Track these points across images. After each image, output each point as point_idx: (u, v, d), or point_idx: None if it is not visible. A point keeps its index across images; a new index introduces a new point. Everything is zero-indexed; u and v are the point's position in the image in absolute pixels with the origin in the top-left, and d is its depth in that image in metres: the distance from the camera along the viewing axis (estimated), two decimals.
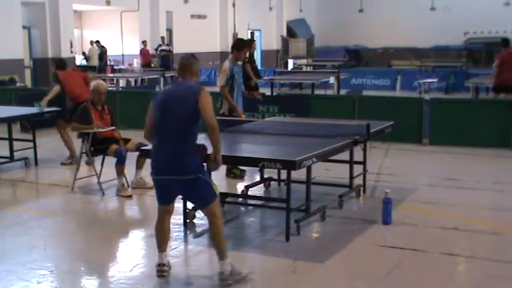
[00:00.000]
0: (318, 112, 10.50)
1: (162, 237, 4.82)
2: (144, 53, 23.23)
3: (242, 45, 8.07)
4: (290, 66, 27.67)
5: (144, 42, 23.26)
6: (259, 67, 30.25)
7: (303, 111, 10.65)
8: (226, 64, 7.87)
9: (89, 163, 8.59)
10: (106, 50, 23.55)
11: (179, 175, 4.51)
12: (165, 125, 4.58)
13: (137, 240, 5.95)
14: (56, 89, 9.27)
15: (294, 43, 30.61)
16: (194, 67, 4.72)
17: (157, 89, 18.59)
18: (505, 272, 4.90)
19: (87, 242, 5.90)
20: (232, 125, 7.24)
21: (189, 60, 4.75)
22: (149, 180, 7.56)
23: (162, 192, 4.74)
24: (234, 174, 7.97)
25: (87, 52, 23.97)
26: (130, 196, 7.26)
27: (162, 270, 4.77)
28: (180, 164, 4.51)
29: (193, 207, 6.07)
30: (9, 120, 9.28)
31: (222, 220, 4.70)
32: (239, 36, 28.67)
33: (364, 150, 7.21)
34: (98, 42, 23.62)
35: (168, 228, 4.87)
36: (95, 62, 22.68)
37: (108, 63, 24.47)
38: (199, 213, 6.21)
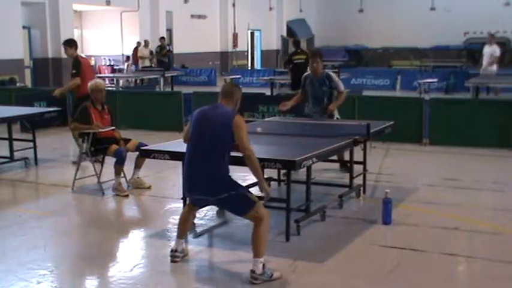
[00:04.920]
0: None
1: (184, 227, 5.13)
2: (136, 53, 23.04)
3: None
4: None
5: (139, 42, 22.93)
6: (259, 67, 30.49)
7: (303, 111, 10.62)
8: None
9: (75, 162, 8.68)
10: (167, 50, 22.31)
11: (211, 196, 4.75)
12: (197, 145, 4.78)
13: (137, 240, 5.95)
14: (76, 81, 8.86)
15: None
16: (236, 96, 4.98)
17: (157, 89, 18.60)
18: (505, 272, 4.90)
19: (87, 242, 5.90)
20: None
21: (232, 88, 5.06)
22: (146, 180, 7.61)
23: (195, 204, 5.07)
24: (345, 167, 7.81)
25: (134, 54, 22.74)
26: (127, 195, 7.26)
27: (174, 255, 5.05)
28: (211, 185, 4.71)
29: None
30: (9, 120, 9.28)
31: (267, 223, 4.70)
32: (238, 35, 28.76)
33: (364, 150, 7.22)
34: (163, 39, 22.32)
35: (194, 218, 5.32)
36: (146, 62, 21.83)
37: (109, 62, 24.41)
38: (199, 213, 6.22)
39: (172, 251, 5.06)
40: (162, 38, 23.46)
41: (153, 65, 21.65)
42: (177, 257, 5.04)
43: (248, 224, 6.26)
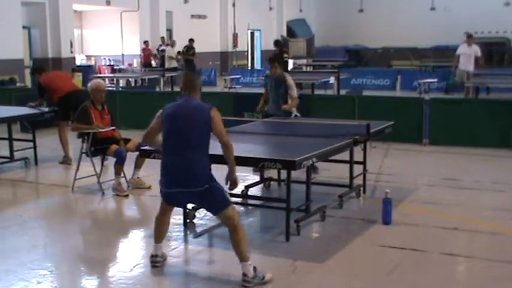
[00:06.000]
0: (318, 112, 10.50)
1: (161, 230, 5.01)
2: (145, 53, 23.17)
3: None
4: (290, 66, 27.65)
5: (145, 42, 23.17)
6: (259, 67, 30.51)
7: (303, 111, 10.64)
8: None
9: (62, 162, 9.08)
10: (194, 53, 21.66)
11: (191, 188, 4.65)
12: (174, 141, 4.73)
13: (137, 240, 5.95)
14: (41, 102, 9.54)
15: (294, 43, 30.64)
16: (197, 84, 4.97)
17: (157, 89, 18.61)
18: (505, 272, 4.90)
19: (87, 242, 5.91)
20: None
21: (193, 77, 5.00)
22: (146, 180, 7.61)
23: (171, 201, 4.94)
24: None
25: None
26: (127, 196, 7.27)
27: (155, 261, 4.96)
28: (191, 178, 4.65)
29: (193, 207, 6.07)
30: (9, 120, 9.28)
31: (240, 224, 4.73)
32: (238, 35, 28.78)
33: (364, 150, 7.22)
34: (162, 38, 22.04)
35: (169, 221, 5.07)
36: (173, 63, 21.40)
37: (109, 62, 24.40)
38: (199, 213, 6.22)
39: (152, 256, 4.98)
40: (162, 37, 23.49)
41: (179, 66, 21.51)
42: (158, 262, 4.96)
43: (248, 224, 6.28)
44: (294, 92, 7.95)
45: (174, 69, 20.79)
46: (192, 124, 4.69)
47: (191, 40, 22.08)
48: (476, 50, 15.79)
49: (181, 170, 4.65)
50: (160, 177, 4.82)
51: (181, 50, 21.85)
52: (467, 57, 15.78)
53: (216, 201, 4.69)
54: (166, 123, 4.79)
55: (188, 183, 4.64)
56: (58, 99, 9.18)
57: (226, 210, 4.67)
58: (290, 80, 8.00)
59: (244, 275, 4.57)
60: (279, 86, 7.94)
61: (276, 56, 8.63)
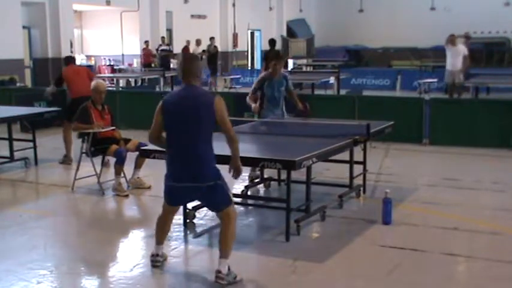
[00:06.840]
0: (318, 112, 10.49)
1: (162, 232, 5.00)
2: (145, 53, 23.22)
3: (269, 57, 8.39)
4: (290, 66, 27.64)
5: (146, 42, 23.21)
6: (259, 67, 30.52)
7: (303, 111, 10.63)
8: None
9: (62, 162, 9.10)
10: (218, 50, 21.87)
11: (200, 182, 4.55)
12: (180, 133, 4.56)
13: (137, 240, 5.95)
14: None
15: (294, 43, 30.64)
16: (197, 68, 4.65)
17: (157, 89, 18.61)
18: (505, 272, 4.90)
19: (87, 242, 5.90)
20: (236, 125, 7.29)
21: (191, 62, 4.70)
22: (146, 180, 7.61)
23: (176, 198, 4.82)
24: None
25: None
26: (127, 196, 7.26)
27: (155, 260, 4.96)
28: (200, 171, 4.54)
29: (193, 207, 6.07)
30: (9, 120, 9.28)
31: (235, 224, 4.74)
32: (238, 35, 28.76)
33: (364, 150, 7.22)
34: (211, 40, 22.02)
35: (170, 224, 5.06)
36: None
37: (109, 62, 24.41)
38: (199, 213, 6.22)
39: (153, 255, 4.97)
40: (162, 37, 23.47)
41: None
42: (158, 261, 4.95)
43: (248, 224, 6.29)
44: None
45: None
46: (198, 116, 4.48)
47: (212, 38, 22.12)
48: (463, 49, 15.29)
49: (191, 164, 4.52)
50: (167, 171, 4.68)
51: (205, 48, 21.96)
52: (455, 57, 15.21)
53: (220, 198, 4.64)
54: (169, 116, 4.57)
55: (197, 178, 4.52)
56: (71, 99, 9.21)
57: (228, 208, 4.65)
58: (288, 75, 8.20)
59: (219, 271, 4.56)
60: (281, 85, 7.89)
61: (283, 54, 8.79)
